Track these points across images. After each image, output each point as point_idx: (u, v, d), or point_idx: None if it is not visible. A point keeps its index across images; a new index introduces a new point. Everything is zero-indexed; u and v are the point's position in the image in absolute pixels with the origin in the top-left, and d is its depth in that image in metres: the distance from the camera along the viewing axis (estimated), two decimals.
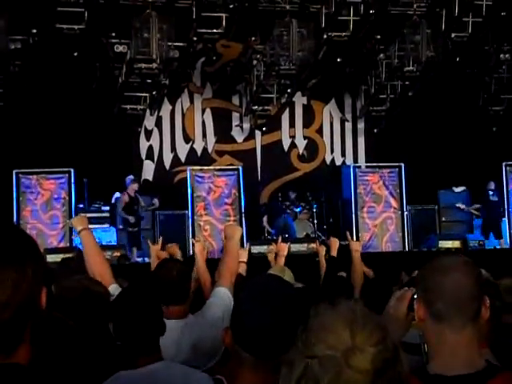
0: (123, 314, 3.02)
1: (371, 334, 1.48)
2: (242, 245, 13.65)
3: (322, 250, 7.10)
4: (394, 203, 15.31)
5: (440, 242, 13.80)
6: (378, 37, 15.18)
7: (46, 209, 14.03)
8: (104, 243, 14.36)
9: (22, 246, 1.67)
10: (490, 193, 15.23)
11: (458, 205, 15.61)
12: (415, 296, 2.31)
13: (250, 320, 2.04)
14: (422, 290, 2.19)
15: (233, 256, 4.18)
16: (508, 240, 15.17)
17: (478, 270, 2.20)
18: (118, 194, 14.85)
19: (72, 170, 14.16)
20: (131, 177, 14.43)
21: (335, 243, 6.87)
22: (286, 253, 6.46)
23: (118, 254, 12.43)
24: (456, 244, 13.63)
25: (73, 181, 14.15)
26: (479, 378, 2.06)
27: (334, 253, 6.82)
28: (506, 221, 15.33)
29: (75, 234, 13.95)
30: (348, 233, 7.60)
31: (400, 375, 1.49)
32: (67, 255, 12.30)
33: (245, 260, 5.01)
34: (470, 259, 2.20)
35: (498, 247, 14.73)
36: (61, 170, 14.24)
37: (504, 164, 15.47)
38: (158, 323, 3.00)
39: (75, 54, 14.07)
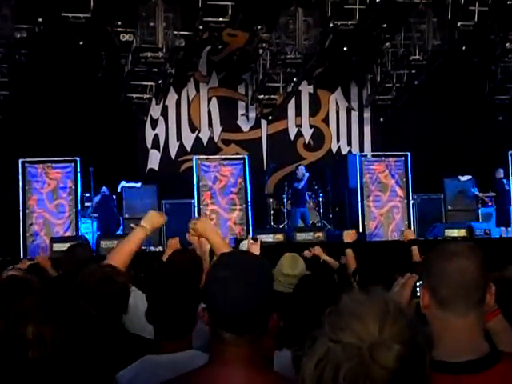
0: (166, 296, 3.01)
1: (400, 331, 1.47)
2: (248, 233, 13.68)
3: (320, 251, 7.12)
4: (399, 192, 15.29)
5: (446, 230, 13.80)
6: (384, 25, 15.12)
7: (52, 198, 14.04)
8: None
9: None
10: (505, 181, 15.25)
11: (472, 190, 15.61)
12: (418, 283, 2.31)
13: (216, 297, 2.05)
14: (426, 277, 2.18)
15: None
16: None
17: (483, 255, 2.19)
18: (124, 183, 14.89)
19: (78, 159, 14.16)
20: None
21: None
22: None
23: None
24: (462, 232, 13.61)
25: (79, 170, 14.15)
26: (483, 363, 2.06)
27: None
28: None
29: (81, 222, 14.05)
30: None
31: (424, 376, 1.49)
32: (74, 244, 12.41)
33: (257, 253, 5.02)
34: (475, 245, 2.20)
35: (506, 236, 14.74)
36: (67, 158, 14.23)
37: (510, 153, 15.42)
38: (194, 312, 2.98)
39: (81, 42, 14.04)
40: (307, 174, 15.29)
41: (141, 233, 3.86)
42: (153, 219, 3.95)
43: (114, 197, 14.85)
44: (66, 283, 4.02)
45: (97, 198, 14.50)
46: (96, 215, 14.32)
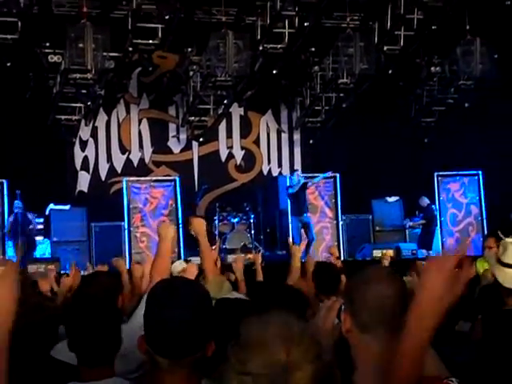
0: (83, 323, 2.94)
1: (307, 350, 1.47)
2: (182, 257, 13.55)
3: (259, 259, 7.18)
4: (329, 213, 15.48)
5: (374, 251, 14.00)
6: (313, 49, 15.39)
7: None
8: (38, 256, 14.16)
9: None
10: (433, 207, 15.56)
11: (404, 222, 15.85)
12: (343, 306, 2.35)
13: (156, 322, 2.08)
14: (347, 302, 2.21)
15: (164, 258, 3.89)
16: (440, 249, 15.47)
17: (402, 280, 2.25)
18: (52, 206, 14.64)
19: (5, 182, 13.89)
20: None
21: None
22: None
23: (53, 266, 12.25)
24: (389, 253, 13.83)
25: (6, 192, 13.88)
26: None
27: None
28: (438, 230, 15.64)
29: (7, 245, 13.73)
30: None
31: None
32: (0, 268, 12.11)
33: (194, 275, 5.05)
34: (393, 270, 2.26)
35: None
36: None
37: (436, 174, 15.78)
38: (117, 337, 2.94)
39: (8, 64, 13.83)
40: (302, 178, 14.98)
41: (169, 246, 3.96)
42: (170, 229, 4.07)
43: (31, 215, 14.26)
44: None
45: (11, 218, 13.98)
46: (7, 238, 13.93)
